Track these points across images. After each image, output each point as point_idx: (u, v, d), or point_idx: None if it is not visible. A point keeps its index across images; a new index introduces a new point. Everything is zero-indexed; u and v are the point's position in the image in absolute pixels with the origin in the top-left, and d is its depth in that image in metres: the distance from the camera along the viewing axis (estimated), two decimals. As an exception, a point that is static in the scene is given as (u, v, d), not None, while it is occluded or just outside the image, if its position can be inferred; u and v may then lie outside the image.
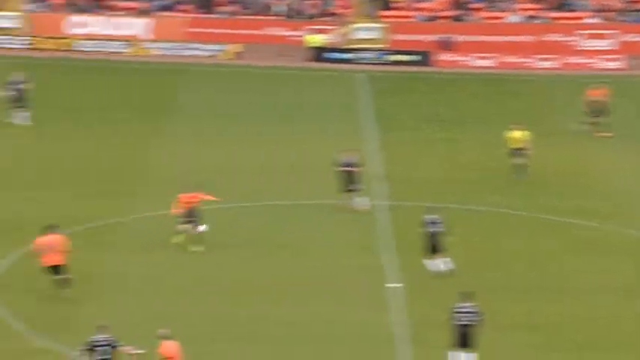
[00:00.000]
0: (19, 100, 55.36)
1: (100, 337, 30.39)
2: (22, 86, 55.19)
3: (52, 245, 36.34)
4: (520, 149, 50.30)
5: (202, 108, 63.42)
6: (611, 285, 38.68)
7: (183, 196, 40.75)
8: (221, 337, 34.64)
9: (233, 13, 78.23)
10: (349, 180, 44.98)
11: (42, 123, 57.21)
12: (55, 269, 36.49)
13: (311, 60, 74.72)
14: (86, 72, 71.27)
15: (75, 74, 70.68)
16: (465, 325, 31.77)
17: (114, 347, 30.58)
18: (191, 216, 40.73)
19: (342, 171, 45.07)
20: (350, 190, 45.15)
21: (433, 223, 39.11)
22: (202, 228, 40.51)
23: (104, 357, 30.45)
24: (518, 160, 50.37)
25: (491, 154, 53.26)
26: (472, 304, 32.00)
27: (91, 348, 30.40)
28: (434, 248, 38.95)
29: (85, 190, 47.65)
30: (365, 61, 74.61)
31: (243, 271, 39.67)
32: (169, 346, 29.74)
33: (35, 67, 68.41)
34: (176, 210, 40.61)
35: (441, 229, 38.97)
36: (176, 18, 77.69)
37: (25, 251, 38.86)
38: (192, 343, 33.79)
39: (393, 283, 38.38)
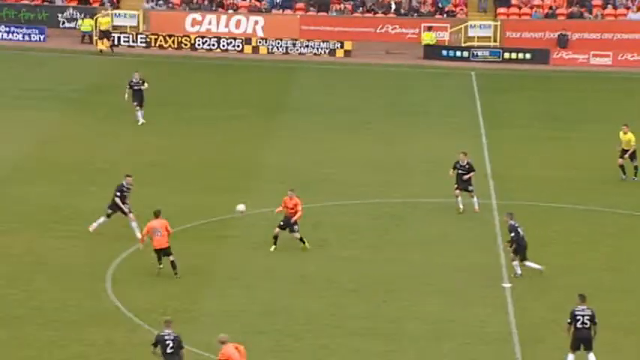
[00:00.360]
0: (137, 99, 55.86)
1: (166, 331, 30.68)
2: (139, 86, 55.63)
3: (158, 228, 37.83)
4: (628, 150, 49.51)
5: (315, 105, 63.41)
6: None
7: (287, 200, 40.49)
8: (336, 332, 34.66)
9: (344, 12, 78.04)
10: (463, 181, 44.63)
11: (160, 120, 57.75)
12: (164, 252, 38.04)
13: (424, 57, 74.21)
14: (203, 69, 71.68)
15: (193, 72, 71.10)
16: (583, 328, 31.39)
17: (180, 346, 30.82)
18: (287, 222, 40.45)
19: (458, 173, 44.74)
20: (463, 190, 44.78)
21: (517, 227, 38.69)
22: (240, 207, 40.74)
23: (170, 352, 30.65)
24: (628, 161, 49.75)
25: (604, 153, 52.33)
26: (588, 306, 31.58)
27: (157, 343, 30.66)
28: (524, 254, 38.55)
29: (200, 185, 48.04)
30: (479, 59, 73.95)
31: (358, 268, 39.62)
32: (228, 351, 29.76)
33: (153, 65, 69.33)
34: (279, 211, 40.50)
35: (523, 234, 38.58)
36: (290, 16, 77.79)
37: (139, 246, 39.28)
38: (307, 336, 34.05)
39: (508, 283, 38.06)
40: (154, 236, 37.98)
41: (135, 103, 55.84)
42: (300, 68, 72.82)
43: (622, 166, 49.65)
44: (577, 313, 31.35)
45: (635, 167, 49.59)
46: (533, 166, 52.88)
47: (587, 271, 39.06)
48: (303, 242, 40.58)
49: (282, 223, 40.34)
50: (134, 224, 40.54)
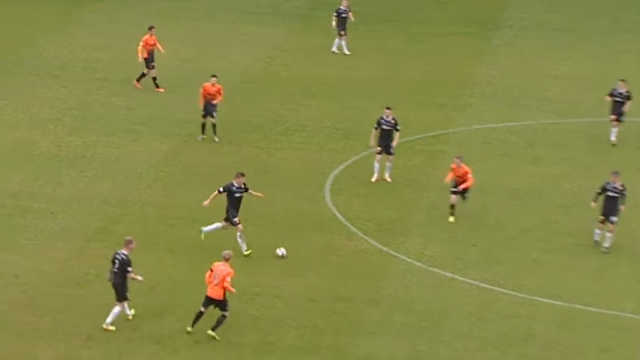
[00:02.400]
0: (341, 26, 55.00)
1: (120, 251, 30.25)
2: (346, 14, 54.84)
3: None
4: None
5: (532, 22, 62.07)
6: None
7: (455, 168, 37.27)
8: (546, 247, 35.22)
9: None
10: None
11: (380, 36, 57.86)
12: None
13: None
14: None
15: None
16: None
17: (126, 270, 30.05)
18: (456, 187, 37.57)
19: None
20: None
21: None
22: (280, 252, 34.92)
23: (115, 271, 30.33)
24: None
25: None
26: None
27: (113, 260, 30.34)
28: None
29: (417, 100, 48.33)
30: None
31: (570, 186, 39.42)
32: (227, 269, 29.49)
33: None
34: (450, 179, 37.64)
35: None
36: None
37: (355, 159, 39.90)
38: (517, 250, 34.32)
39: None
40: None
41: (339, 29, 55.20)
42: None
43: None
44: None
45: None
46: None
47: None
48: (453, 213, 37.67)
49: (453, 189, 37.45)
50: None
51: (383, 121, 39.62)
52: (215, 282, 29.47)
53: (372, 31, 57.93)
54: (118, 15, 58.50)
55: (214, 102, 42.28)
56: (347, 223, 36.67)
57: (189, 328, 29.61)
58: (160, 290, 31.91)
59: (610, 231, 34.90)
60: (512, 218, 37.56)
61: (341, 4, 54.21)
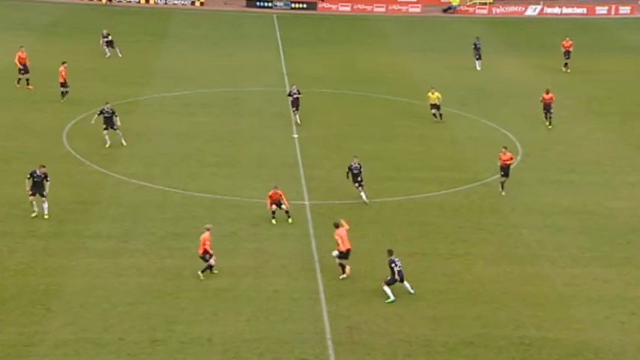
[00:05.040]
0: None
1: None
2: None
3: None
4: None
5: (187, 35, 60.14)
6: None
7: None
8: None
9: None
10: None
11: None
12: None
13: (246, 6, 72.66)
14: None
15: None
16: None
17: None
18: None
19: None
20: None
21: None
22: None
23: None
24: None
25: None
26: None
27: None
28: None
29: (119, 82, 46.41)
30: (278, 8, 72.57)
31: None
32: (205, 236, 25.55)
33: None
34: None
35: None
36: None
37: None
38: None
39: None
40: None
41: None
42: (175, 12, 70.18)
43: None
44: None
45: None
46: (318, 67, 51.84)
47: None
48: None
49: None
50: None
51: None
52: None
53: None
54: None
55: None
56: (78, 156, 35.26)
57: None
58: None
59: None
60: (178, 149, 36.20)
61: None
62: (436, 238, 28.94)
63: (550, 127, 40.79)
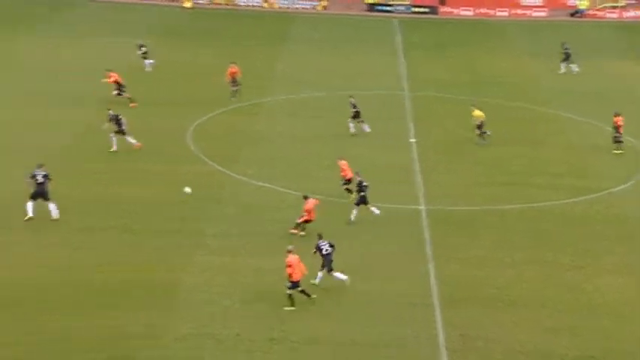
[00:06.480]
0: None
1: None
2: None
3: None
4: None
5: (308, 39, 60.03)
6: None
7: None
8: None
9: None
10: None
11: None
12: None
13: (367, 10, 72.72)
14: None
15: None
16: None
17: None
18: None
19: None
20: None
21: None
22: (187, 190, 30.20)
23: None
24: None
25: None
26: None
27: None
28: None
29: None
30: (399, 12, 72.11)
31: None
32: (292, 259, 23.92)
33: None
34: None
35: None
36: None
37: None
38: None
39: None
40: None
41: None
42: (296, 18, 69.26)
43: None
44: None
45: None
46: (438, 70, 51.33)
47: None
48: None
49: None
50: None
51: None
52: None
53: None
54: None
55: None
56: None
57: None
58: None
59: None
60: (296, 151, 36.35)
61: None
62: (557, 246, 28.35)
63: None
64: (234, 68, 44.24)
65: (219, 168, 34.80)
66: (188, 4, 69.67)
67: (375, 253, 27.53)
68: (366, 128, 39.02)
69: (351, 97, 39.56)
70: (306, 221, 28.01)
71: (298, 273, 24.04)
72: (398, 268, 26.60)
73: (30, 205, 29.13)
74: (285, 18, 68.34)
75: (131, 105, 41.48)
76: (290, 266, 23.85)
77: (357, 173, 30.69)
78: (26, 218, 29.13)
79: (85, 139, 37.49)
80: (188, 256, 27.33)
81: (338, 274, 25.06)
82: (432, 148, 37.90)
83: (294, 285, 24.10)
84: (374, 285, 25.54)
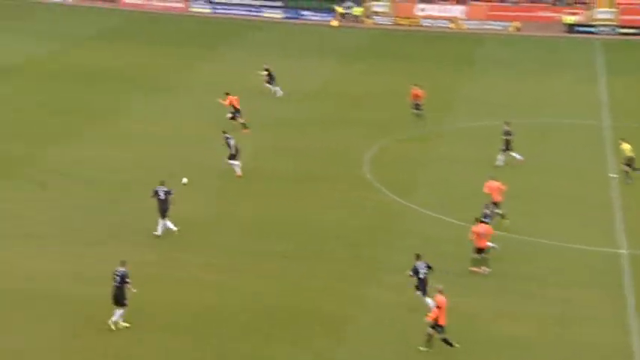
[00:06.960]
0: None
1: (120, 269, 23.32)
2: None
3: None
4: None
5: (497, 62, 58.54)
6: None
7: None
8: None
9: (516, 2, 73.60)
10: None
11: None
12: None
13: (565, 32, 69.63)
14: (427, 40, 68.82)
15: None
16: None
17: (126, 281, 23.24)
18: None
19: None
20: None
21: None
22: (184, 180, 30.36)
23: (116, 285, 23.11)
24: None
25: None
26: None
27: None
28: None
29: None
30: (603, 33, 68.46)
31: None
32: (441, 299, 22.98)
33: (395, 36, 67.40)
34: None
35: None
36: (481, 5, 73.84)
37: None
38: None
39: None
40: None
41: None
42: (485, 40, 68.55)
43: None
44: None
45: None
46: None
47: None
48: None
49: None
50: None
51: None
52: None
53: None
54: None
55: None
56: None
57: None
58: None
59: None
60: (475, 180, 33.68)
61: None
62: None
63: None
64: (417, 91, 42.65)
65: (394, 197, 33.76)
66: (334, 24, 69.50)
67: (572, 299, 25.91)
68: (518, 156, 36.66)
69: (506, 123, 37.16)
70: (479, 250, 26.67)
71: (444, 317, 22.55)
72: (595, 316, 24.98)
73: (160, 222, 28.89)
74: (473, 40, 66.17)
75: (244, 131, 39.50)
76: (439, 307, 22.61)
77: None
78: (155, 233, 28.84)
79: (263, 159, 37.23)
80: (362, 287, 26.48)
81: (429, 300, 23.86)
82: (635, 184, 34.65)
83: (439, 328, 22.61)
84: (569, 332, 24.14)
